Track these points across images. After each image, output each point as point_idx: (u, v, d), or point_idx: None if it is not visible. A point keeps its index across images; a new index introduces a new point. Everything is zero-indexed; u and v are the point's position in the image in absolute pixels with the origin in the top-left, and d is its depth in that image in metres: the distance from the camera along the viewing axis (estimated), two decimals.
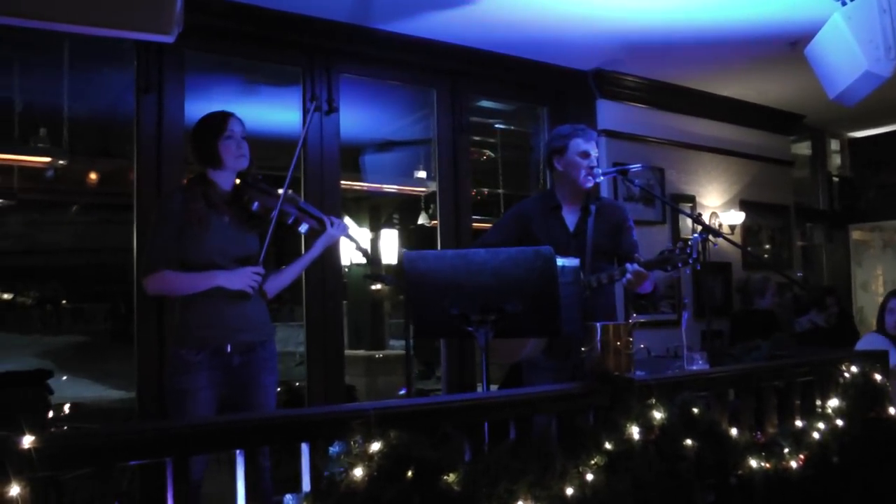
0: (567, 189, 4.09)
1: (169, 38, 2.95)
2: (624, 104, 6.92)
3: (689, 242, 3.57)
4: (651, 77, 6.90)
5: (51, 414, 5.34)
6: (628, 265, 3.66)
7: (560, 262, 3.17)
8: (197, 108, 3.78)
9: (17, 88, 6.41)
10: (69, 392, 10.18)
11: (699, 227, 3.99)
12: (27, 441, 1.79)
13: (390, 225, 10.67)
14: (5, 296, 13.24)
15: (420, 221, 9.47)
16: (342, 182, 5.68)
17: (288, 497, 2.16)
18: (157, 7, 2.79)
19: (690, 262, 3.56)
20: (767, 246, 8.16)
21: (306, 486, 2.28)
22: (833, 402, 3.73)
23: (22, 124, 6.56)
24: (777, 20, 5.65)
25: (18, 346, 12.50)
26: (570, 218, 4.08)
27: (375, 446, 2.19)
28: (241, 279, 3.48)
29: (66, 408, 5.89)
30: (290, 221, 3.61)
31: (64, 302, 14.11)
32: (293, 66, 5.45)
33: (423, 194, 9.23)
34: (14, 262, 12.18)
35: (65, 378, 10.93)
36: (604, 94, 6.77)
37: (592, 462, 2.64)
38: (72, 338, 13.73)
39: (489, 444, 2.67)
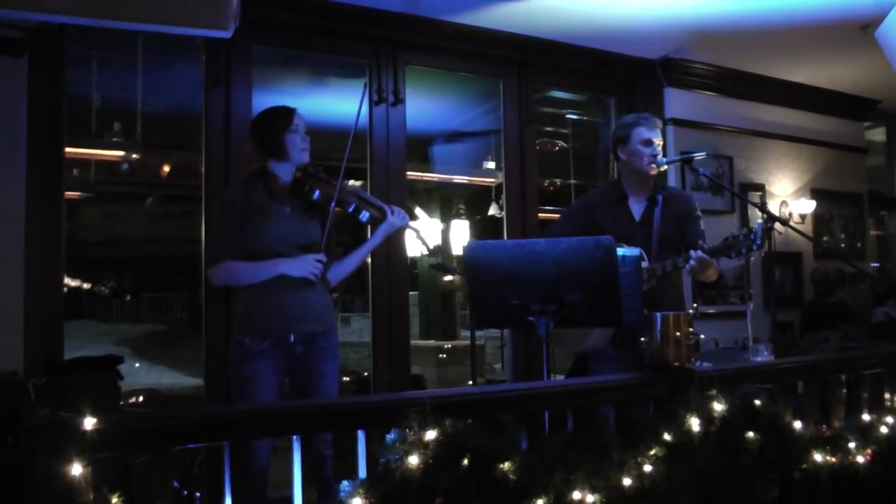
0: (632, 178, 4.04)
1: (226, 34, 2.99)
2: (692, 92, 6.83)
3: (753, 228, 3.51)
4: (719, 64, 6.79)
5: (130, 400, 5.48)
6: (692, 252, 3.61)
7: (621, 251, 3.15)
8: (266, 101, 3.84)
9: (94, 84, 6.58)
10: (147, 379, 10.47)
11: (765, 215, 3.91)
12: (89, 423, 1.84)
13: (461, 216, 10.71)
14: (85, 285, 13.61)
15: (491, 212, 9.48)
16: (412, 173, 5.67)
17: (344, 483, 2.19)
18: (213, 3, 2.83)
19: (754, 248, 3.50)
20: (842, 235, 7.98)
21: (362, 473, 2.31)
22: None
23: (98, 119, 6.75)
24: (847, 2, 5.51)
25: (98, 333, 12.86)
26: (637, 208, 4.03)
27: (431, 434, 2.19)
28: (303, 266, 3.52)
29: (141, 394, 6.04)
30: (350, 210, 3.66)
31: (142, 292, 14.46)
32: (359, 58, 5.47)
33: (493, 185, 9.24)
34: (92, 252, 12.54)
35: (137, 365, 11.21)
36: (671, 83, 6.69)
37: (651, 453, 2.62)
38: (150, 326, 14.07)
39: (548, 434, 2.66)
